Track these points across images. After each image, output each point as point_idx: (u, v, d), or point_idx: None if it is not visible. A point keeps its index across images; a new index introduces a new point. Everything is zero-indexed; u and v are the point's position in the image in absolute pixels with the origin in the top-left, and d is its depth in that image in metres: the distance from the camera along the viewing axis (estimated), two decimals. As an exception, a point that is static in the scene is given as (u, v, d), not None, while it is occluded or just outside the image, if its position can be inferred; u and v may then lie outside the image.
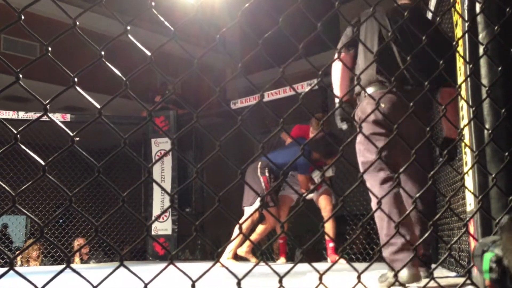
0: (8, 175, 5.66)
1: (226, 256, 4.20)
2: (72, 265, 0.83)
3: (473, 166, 1.49)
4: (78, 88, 0.80)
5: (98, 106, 0.81)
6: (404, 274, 1.93)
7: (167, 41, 0.89)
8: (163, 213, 5.78)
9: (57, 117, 5.59)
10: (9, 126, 0.77)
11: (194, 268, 1.78)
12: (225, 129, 5.69)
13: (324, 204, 4.36)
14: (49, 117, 0.78)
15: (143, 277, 0.87)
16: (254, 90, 6.54)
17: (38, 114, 0.80)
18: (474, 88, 1.54)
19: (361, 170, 2.16)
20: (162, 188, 1.01)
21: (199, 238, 5.32)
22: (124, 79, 0.84)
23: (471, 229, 1.56)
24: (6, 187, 0.74)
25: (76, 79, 0.80)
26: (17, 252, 7.47)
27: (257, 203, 4.17)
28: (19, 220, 8.63)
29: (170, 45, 0.92)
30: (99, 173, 0.80)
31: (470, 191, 1.53)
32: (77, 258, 6.11)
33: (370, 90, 2.18)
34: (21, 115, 5.51)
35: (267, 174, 4.26)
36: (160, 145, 6.14)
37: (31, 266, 6.04)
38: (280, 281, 0.96)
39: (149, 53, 0.86)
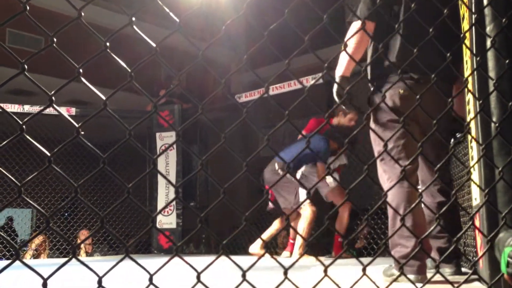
0: (14, 168, 5.69)
1: (299, 252, 4.16)
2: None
3: (480, 159, 1.48)
4: (83, 79, 0.80)
5: (103, 98, 0.81)
6: (411, 278, 1.85)
7: (172, 32, 0.88)
8: (168, 205, 5.79)
9: (61, 111, 5.60)
10: (15, 117, 0.77)
11: (199, 261, 1.79)
12: (229, 123, 5.65)
13: (338, 200, 4.35)
14: (54, 108, 0.78)
15: (148, 269, 0.87)
16: (259, 84, 6.52)
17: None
18: (481, 81, 1.53)
19: (378, 159, 2.06)
20: (167, 180, 1.01)
21: (204, 231, 5.33)
22: (129, 70, 0.84)
23: (477, 223, 1.56)
24: (13, 179, 0.74)
25: (81, 70, 0.79)
26: (23, 245, 7.51)
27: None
28: (25, 213, 8.67)
29: (175, 39, 0.92)
30: (104, 164, 0.80)
31: (476, 184, 1.52)
32: (82, 251, 6.15)
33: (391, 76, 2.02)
34: (26, 108, 5.53)
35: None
36: (165, 139, 6.14)
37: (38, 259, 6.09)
38: (285, 273, 0.96)
39: (154, 44, 0.86)
